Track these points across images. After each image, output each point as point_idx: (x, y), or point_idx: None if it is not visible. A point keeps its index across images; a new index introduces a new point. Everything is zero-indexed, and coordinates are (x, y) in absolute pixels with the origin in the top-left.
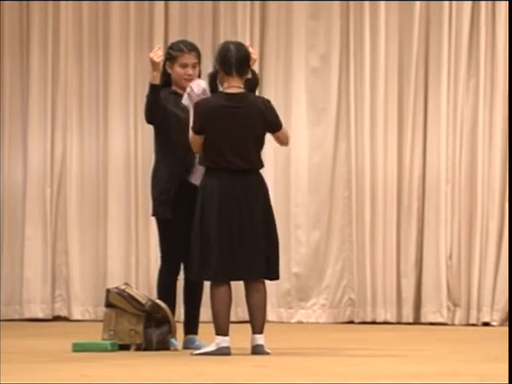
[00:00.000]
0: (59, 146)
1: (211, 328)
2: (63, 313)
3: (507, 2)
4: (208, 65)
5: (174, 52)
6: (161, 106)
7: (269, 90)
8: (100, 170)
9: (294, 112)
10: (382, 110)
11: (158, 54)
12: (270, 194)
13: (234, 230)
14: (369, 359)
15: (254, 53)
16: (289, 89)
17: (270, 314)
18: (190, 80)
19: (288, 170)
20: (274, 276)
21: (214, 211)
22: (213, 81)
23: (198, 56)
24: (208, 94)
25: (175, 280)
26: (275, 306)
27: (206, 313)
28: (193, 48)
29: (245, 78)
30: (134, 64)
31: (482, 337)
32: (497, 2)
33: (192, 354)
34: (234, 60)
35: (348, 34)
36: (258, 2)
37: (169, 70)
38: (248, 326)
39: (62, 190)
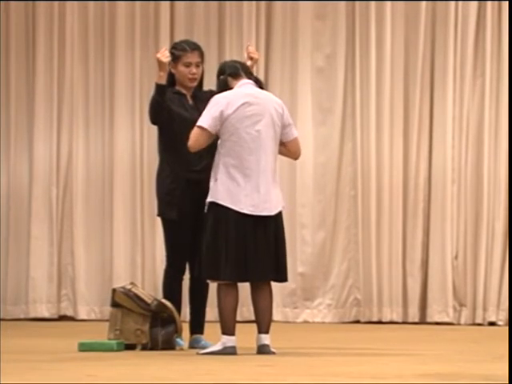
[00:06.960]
0: (65, 146)
1: (217, 328)
2: (69, 312)
3: (508, 2)
4: (212, 64)
5: (177, 52)
6: (165, 106)
7: (274, 90)
8: (106, 170)
9: (300, 112)
10: (388, 109)
11: (166, 55)
12: None
13: (248, 233)
14: (374, 359)
15: (255, 52)
16: (294, 89)
17: (276, 314)
18: (194, 79)
19: (294, 169)
20: (283, 278)
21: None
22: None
23: (202, 55)
24: None
25: (181, 280)
26: (281, 306)
27: (211, 312)
28: (196, 47)
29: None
30: (139, 64)
31: (488, 336)
32: (503, 2)
33: (198, 354)
34: (238, 64)
35: (354, 33)
36: (263, 2)
37: (172, 70)
38: (253, 326)
39: (68, 190)
